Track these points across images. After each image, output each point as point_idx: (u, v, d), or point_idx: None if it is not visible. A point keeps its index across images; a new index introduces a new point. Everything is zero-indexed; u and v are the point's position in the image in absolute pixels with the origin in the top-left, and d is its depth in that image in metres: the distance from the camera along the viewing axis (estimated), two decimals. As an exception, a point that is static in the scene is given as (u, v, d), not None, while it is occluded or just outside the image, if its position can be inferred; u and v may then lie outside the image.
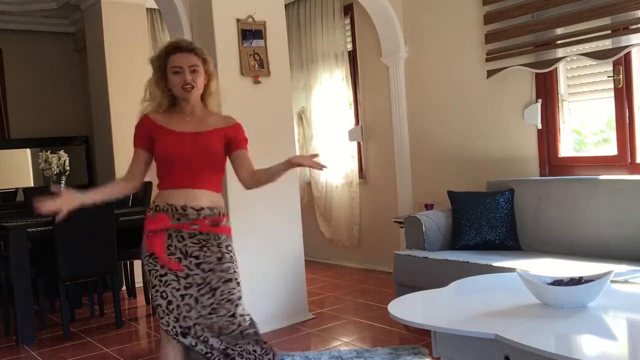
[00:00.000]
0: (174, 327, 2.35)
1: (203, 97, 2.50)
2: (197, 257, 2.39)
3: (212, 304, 2.37)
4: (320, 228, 6.05)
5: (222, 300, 2.37)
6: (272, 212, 4.02)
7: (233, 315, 2.37)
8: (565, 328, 2.11)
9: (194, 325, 2.36)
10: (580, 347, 2.02)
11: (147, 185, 5.06)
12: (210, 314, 2.37)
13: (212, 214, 2.43)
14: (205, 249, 2.40)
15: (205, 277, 2.38)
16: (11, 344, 4.10)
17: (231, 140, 2.49)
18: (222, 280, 2.39)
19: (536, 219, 3.81)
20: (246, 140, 2.55)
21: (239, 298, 2.41)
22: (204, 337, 2.36)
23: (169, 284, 2.37)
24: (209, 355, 2.38)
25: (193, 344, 2.37)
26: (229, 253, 2.43)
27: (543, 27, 4.02)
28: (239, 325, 2.38)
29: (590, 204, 3.57)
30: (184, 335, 2.36)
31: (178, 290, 2.37)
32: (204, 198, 2.42)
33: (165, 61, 2.44)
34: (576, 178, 3.78)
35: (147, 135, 2.48)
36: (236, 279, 2.43)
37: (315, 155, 2.44)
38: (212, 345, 2.37)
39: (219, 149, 2.46)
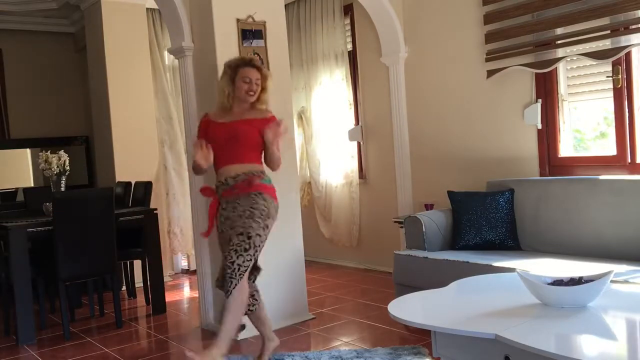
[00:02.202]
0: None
1: (253, 102, 3.26)
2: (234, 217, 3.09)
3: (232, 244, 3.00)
4: (320, 228, 6.05)
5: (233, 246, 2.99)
6: (272, 212, 4.02)
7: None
8: (565, 328, 2.11)
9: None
10: (580, 347, 2.02)
11: (147, 185, 5.06)
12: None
13: (247, 176, 3.13)
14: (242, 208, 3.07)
15: (242, 223, 3.03)
16: (11, 344, 4.10)
17: (262, 129, 3.15)
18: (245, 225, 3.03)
19: (536, 219, 3.81)
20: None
21: (242, 248, 2.96)
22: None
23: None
24: None
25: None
26: (257, 210, 3.05)
27: (543, 27, 4.02)
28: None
29: (590, 204, 3.57)
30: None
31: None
32: (241, 168, 3.14)
33: (235, 71, 3.21)
34: (576, 178, 3.78)
35: (204, 129, 3.29)
36: (248, 233, 2.99)
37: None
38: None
39: (248, 133, 3.15)
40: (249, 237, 2.96)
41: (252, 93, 3.19)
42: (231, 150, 3.16)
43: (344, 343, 3.64)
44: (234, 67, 3.23)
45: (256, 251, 3.00)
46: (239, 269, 2.90)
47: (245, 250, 2.94)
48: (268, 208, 3.09)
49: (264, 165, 3.27)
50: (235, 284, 2.89)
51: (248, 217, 3.01)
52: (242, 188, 3.11)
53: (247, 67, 3.20)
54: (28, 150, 6.51)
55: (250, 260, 2.95)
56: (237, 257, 2.92)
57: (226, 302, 2.94)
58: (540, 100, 4.17)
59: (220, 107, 3.28)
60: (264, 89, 3.27)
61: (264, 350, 3.28)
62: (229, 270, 2.90)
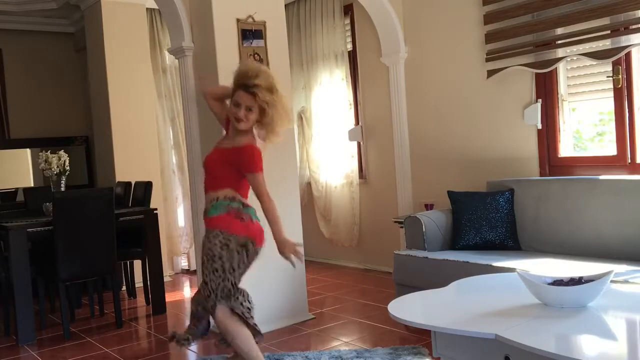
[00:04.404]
0: None
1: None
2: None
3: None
4: (320, 228, 6.05)
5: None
6: (272, 212, 4.02)
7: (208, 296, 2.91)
8: (565, 328, 2.11)
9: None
10: (580, 347, 2.02)
11: (147, 185, 5.06)
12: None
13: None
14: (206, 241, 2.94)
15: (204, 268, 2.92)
16: (11, 344, 4.10)
17: (236, 163, 2.92)
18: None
19: (536, 219, 3.81)
20: (251, 163, 2.90)
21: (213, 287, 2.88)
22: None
23: None
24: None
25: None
26: (211, 246, 2.88)
27: (543, 27, 4.02)
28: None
29: (590, 204, 3.57)
30: None
31: None
32: (208, 197, 2.98)
33: (234, 91, 2.96)
34: (576, 178, 3.77)
35: None
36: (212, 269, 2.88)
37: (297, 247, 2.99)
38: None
39: (216, 163, 2.97)
40: (206, 283, 2.90)
41: (238, 121, 2.90)
42: (208, 176, 3.02)
43: (344, 343, 3.64)
44: (235, 87, 2.96)
45: (223, 290, 2.88)
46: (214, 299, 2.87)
47: (207, 295, 2.88)
48: (222, 249, 2.85)
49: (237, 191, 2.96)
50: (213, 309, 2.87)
51: (206, 262, 2.89)
52: (207, 222, 2.96)
53: (241, 91, 2.90)
54: (28, 150, 6.51)
55: (222, 291, 2.87)
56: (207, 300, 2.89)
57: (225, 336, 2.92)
58: (540, 100, 4.17)
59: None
60: (264, 117, 2.91)
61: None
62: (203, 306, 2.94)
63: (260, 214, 2.98)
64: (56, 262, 4.08)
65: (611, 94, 3.82)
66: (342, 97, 5.67)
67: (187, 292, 5.50)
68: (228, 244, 2.85)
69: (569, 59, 3.97)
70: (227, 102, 3.07)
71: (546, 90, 4.14)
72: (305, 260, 4.33)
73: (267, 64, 4.05)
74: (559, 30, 3.97)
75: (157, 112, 6.01)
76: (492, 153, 4.51)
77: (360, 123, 5.65)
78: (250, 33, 3.99)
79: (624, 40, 3.61)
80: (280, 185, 4.10)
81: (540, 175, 4.19)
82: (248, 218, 2.93)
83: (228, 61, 3.88)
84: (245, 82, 2.89)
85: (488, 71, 4.41)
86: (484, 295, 2.68)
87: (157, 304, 4.72)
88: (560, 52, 3.95)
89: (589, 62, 3.84)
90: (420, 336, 3.54)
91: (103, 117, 5.78)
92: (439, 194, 4.64)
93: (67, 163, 4.81)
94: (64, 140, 6.50)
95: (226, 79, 3.75)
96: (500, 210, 3.88)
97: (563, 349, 1.91)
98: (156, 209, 4.83)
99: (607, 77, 3.82)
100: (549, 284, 2.32)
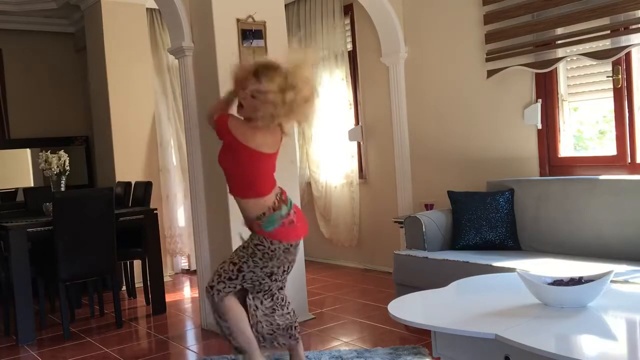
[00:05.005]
0: None
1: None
2: None
3: None
4: (320, 228, 6.05)
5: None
6: (272, 212, 4.01)
7: None
8: (565, 328, 2.11)
9: None
10: (580, 347, 2.02)
11: (147, 185, 5.06)
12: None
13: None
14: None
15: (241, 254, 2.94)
16: (11, 344, 4.10)
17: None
18: None
19: (536, 219, 3.81)
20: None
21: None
22: None
23: None
24: None
25: None
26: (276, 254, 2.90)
27: (543, 27, 4.02)
28: None
29: (590, 204, 3.57)
30: None
31: None
32: (252, 204, 2.99)
33: None
34: (576, 178, 3.77)
35: None
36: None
37: None
38: None
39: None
40: (240, 271, 2.87)
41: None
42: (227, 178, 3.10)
43: (344, 343, 3.64)
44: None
45: (243, 282, 2.89)
46: (218, 293, 2.88)
47: (230, 279, 2.87)
48: (284, 252, 2.90)
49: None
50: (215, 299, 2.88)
51: (251, 255, 2.86)
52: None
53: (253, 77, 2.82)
54: (28, 150, 6.51)
55: (234, 287, 2.87)
56: (218, 283, 2.88)
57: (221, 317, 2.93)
58: (540, 100, 4.17)
59: None
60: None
61: None
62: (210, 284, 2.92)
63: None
64: (56, 262, 4.08)
65: (611, 94, 3.82)
66: (342, 97, 5.67)
67: (187, 292, 5.50)
68: (289, 247, 2.94)
69: (569, 59, 3.97)
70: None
71: (546, 90, 4.14)
72: (305, 260, 4.34)
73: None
74: (559, 30, 3.97)
75: (160, 111, 6.01)
76: (492, 153, 4.51)
77: (360, 123, 5.65)
78: (250, 33, 3.99)
79: (624, 40, 3.61)
80: (280, 185, 4.10)
81: (540, 175, 4.19)
82: (294, 217, 2.99)
83: (228, 61, 3.87)
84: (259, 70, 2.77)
85: (488, 71, 4.41)
86: (484, 295, 2.68)
87: (157, 304, 4.72)
88: (560, 52, 3.95)
89: (589, 62, 3.84)
90: (420, 336, 3.54)
91: (103, 117, 5.78)
92: (439, 194, 4.64)
93: (67, 163, 4.81)
94: (64, 140, 6.50)
95: (226, 79, 3.75)
96: (500, 210, 3.88)
97: (563, 349, 1.91)
98: (156, 209, 4.83)
99: (607, 77, 3.82)
100: (549, 284, 2.32)
